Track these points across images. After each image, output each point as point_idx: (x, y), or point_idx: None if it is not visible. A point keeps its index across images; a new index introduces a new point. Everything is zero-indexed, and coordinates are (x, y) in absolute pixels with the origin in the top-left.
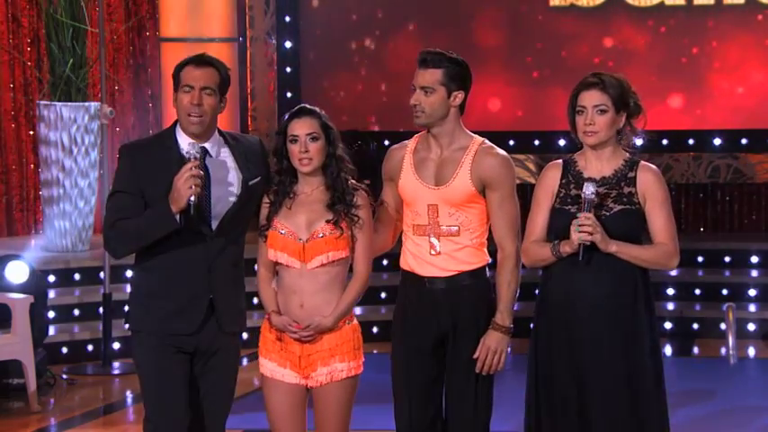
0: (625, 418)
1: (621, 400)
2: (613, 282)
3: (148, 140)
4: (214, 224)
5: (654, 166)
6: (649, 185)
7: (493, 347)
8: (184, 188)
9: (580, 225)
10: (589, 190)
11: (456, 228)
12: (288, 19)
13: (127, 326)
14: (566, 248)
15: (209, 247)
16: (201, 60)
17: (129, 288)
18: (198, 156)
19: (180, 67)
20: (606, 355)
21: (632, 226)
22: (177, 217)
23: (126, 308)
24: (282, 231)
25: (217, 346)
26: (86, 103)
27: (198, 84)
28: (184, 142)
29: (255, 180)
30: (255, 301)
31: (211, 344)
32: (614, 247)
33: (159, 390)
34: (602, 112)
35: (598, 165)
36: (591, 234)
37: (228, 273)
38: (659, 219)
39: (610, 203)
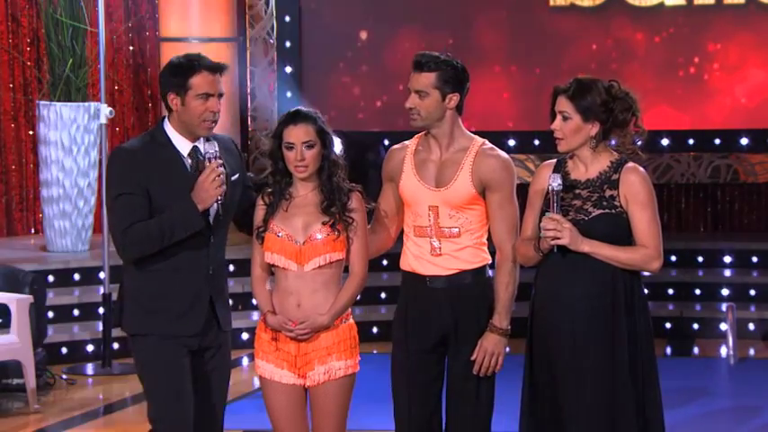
0: (592, 422)
1: (588, 404)
2: (588, 282)
3: (141, 141)
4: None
5: (639, 167)
6: (631, 187)
7: (490, 350)
8: (212, 188)
9: (544, 229)
10: (556, 182)
11: (457, 229)
12: (287, 19)
13: (118, 328)
14: (543, 245)
15: (208, 246)
16: (217, 67)
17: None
18: (218, 155)
19: (191, 71)
20: (575, 356)
21: (613, 230)
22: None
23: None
24: (279, 234)
25: (216, 344)
26: (86, 103)
27: (216, 91)
28: (178, 141)
29: (235, 177)
30: (255, 301)
31: (212, 343)
32: (587, 246)
33: (170, 390)
34: (566, 119)
35: (582, 167)
36: (558, 233)
37: (221, 272)
38: (640, 221)
39: (589, 207)
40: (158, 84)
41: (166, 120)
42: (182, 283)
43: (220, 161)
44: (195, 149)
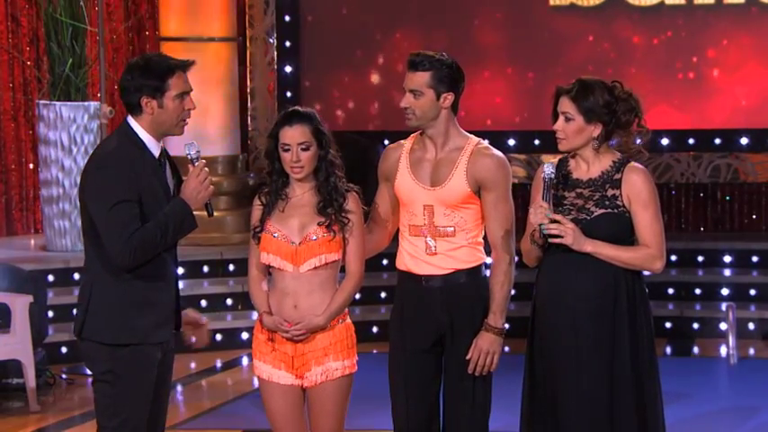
0: (593, 421)
1: (588, 403)
2: (590, 282)
3: (121, 145)
4: None
5: (641, 167)
6: (633, 187)
7: (485, 349)
8: (204, 188)
9: (547, 229)
10: (548, 169)
11: (452, 228)
12: (287, 18)
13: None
14: (535, 235)
15: (175, 250)
16: (188, 64)
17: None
18: (200, 156)
19: (169, 73)
20: (577, 355)
21: (615, 229)
22: None
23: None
24: (275, 234)
25: (173, 344)
26: (86, 103)
27: (190, 88)
28: (150, 142)
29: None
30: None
31: (171, 344)
32: (590, 246)
33: (143, 401)
34: (568, 120)
35: (585, 167)
36: (561, 233)
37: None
38: (643, 220)
39: (591, 207)
40: (122, 88)
41: (133, 121)
42: (162, 288)
43: (205, 162)
44: (165, 151)
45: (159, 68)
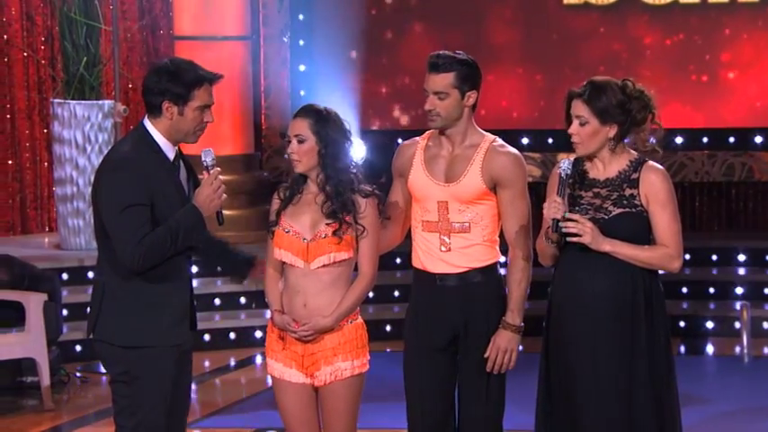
0: (610, 421)
1: (605, 403)
2: (608, 281)
3: (137, 148)
4: None
5: (659, 166)
6: (651, 186)
7: (503, 347)
8: (217, 196)
9: (565, 227)
10: (564, 164)
11: (467, 224)
12: (301, 17)
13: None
14: (548, 232)
15: (190, 252)
16: (217, 77)
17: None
18: (215, 163)
19: (197, 84)
20: (594, 354)
21: (633, 229)
22: None
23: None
24: (287, 230)
25: (190, 345)
26: (100, 102)
27: (213, 101)
28: (165, 146)
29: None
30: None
31: (189, 345)
32: (608, 246)
33: (164, 403)
34: (583, 123)
35: (601, 166)
36: (579, 232)
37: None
38: (661, 220)
39: (609, 207)
40: (146, 88)
41: (150, 124)
42: (178, 288)
43: (220, 170)
44: (180, 153)
45: (187, 77)
